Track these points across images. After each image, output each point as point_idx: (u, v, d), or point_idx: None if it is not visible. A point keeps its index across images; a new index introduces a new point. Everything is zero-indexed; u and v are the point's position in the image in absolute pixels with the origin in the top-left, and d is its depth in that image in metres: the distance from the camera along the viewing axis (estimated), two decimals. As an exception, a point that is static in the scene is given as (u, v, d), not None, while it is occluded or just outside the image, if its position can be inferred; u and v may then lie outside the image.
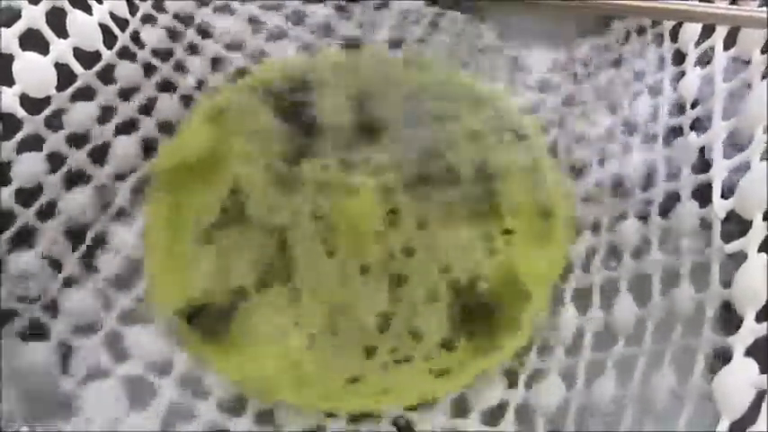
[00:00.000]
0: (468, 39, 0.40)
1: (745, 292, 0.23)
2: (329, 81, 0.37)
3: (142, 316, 0.29)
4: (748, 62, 0.28)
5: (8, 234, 0.28)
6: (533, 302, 0.29)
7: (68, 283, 0.28)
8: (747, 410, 0.20)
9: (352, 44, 0.39)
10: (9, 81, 0.29)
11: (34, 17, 0.30)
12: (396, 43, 0.40)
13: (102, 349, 0.27)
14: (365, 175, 0.33)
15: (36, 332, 0.27)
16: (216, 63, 0.38)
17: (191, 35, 0.38)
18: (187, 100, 0.36)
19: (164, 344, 0.28)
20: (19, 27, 0.29)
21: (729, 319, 0.23)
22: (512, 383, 0.27)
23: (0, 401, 0.24)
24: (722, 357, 0.22)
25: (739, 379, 0.21)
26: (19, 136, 0.29)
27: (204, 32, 0.38)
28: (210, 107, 0.35)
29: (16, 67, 0.29)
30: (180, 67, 0.37)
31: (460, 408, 0.27)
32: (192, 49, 0.38)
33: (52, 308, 0.28)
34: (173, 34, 0.37)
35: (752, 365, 0.21)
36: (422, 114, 0.35)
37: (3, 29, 0.29)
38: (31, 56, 0.30)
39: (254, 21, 0.39)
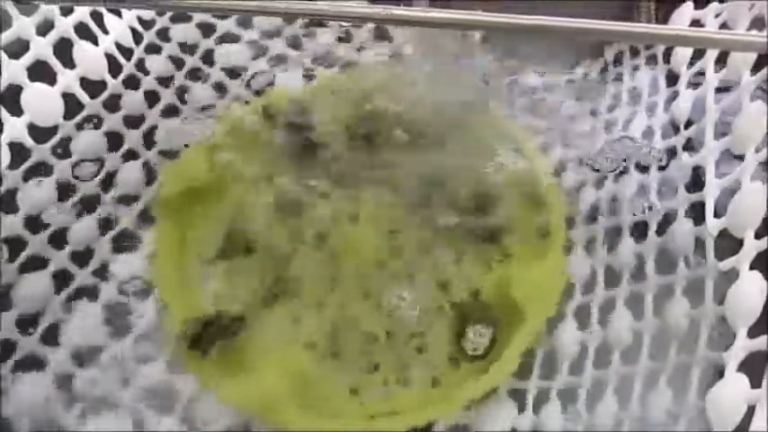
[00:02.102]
0: (467, 62, 0.40)
1: (737, 309, 0.23)
2: (331, 106, 0.37)
3: (149, 338, 0.29)
4: (738, 83, 0.29)
5: (19, 260, 0.29)
6: (532, 321, 0.29)
7: (71, 308, 0.29)
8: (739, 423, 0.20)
9: (352, 69, 0.40)
10: (18, 111, 0.30)
11: (42, 48, 0.31)
12: (395, 67, 0.40)
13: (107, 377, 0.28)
14: (366, 198, 0.33)
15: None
16: (219, 89, 0.38)
17: (194, 63, 0.39)
18: (191, 126, 0.36)
19: (168, 371, 0.28)
20: (27, 58, 0.30)
21: (724, 334, 0.24)
22: (518, 406, 0.27)
23: None
24: (716, 372, 0.22)
25: (732, 394, 0.21)
26: (27, 164, 0.30)
27: (208, 60, 0.39)
28: (214, 133, 0.36)
29: (25, 98, 0.30)
30: (184, 94, 0.38)
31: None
32: (196, 76, 0.39)
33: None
34: (177, 62, 0.38)
35: (743, 381, 0.21)
36: (422, 137, 0.36)
37: (12, 60, 0.30)
38: (39, 86, 0.31)
39: (256, 47, 0.40)
